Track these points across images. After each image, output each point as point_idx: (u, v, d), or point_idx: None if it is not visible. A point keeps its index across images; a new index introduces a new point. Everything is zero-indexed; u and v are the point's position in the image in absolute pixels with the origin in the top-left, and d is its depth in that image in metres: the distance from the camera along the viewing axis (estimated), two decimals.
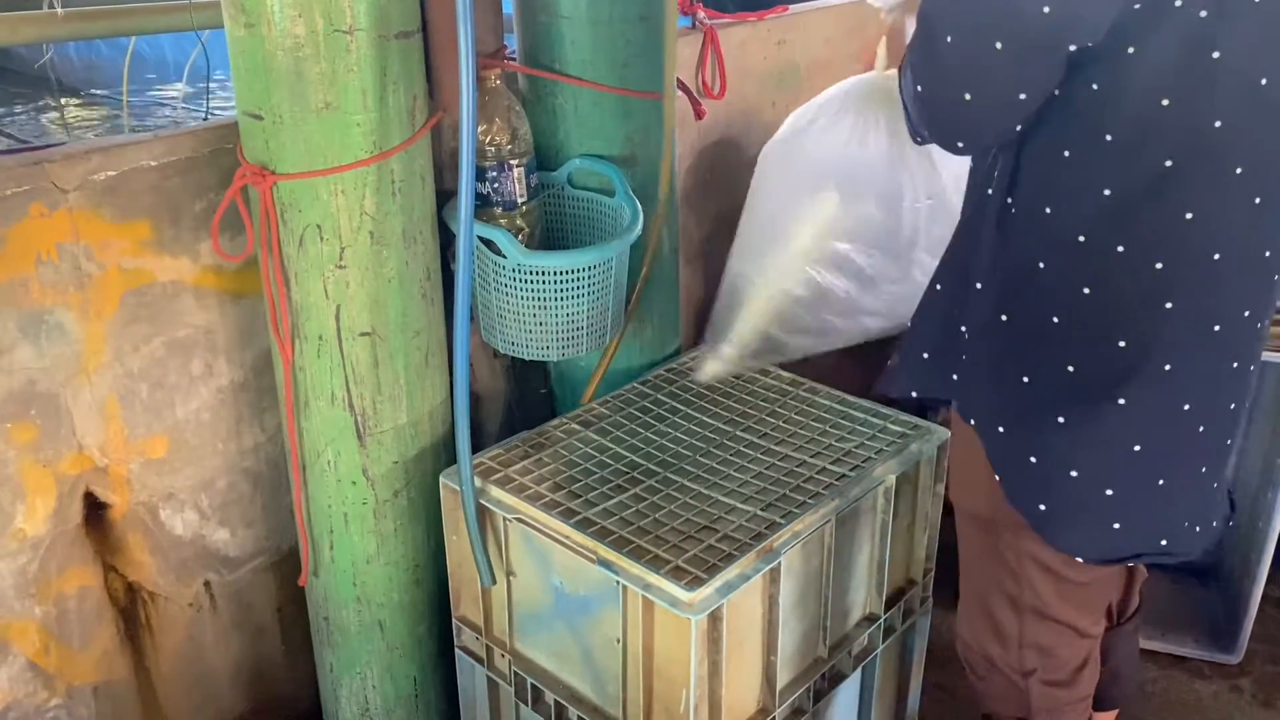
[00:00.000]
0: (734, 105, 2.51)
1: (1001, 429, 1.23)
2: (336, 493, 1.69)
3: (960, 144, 1.16)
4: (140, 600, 1.76)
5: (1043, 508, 1.22)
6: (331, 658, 1.84)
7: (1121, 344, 1.14)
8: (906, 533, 1.81)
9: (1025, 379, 1.20)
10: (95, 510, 1.65)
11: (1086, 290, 1.14)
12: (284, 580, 1.94)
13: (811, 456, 1.68)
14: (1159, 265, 1.11)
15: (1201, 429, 1.19)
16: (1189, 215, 1.09)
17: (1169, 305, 1.12)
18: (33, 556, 1.59)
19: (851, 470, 1.64)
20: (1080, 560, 1.26)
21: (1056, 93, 1.10)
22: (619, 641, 1.48)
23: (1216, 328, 1.14)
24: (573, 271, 1.70)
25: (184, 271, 1.66)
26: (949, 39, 1.05)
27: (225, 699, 1.93)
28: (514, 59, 1.90)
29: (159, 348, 1.66)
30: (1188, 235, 1.10)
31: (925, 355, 1.35)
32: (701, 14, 2.37)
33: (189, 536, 1.79)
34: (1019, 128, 1.14)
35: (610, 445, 1.74)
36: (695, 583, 1.39)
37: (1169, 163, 1.07)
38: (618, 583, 1.44)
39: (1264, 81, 1.06)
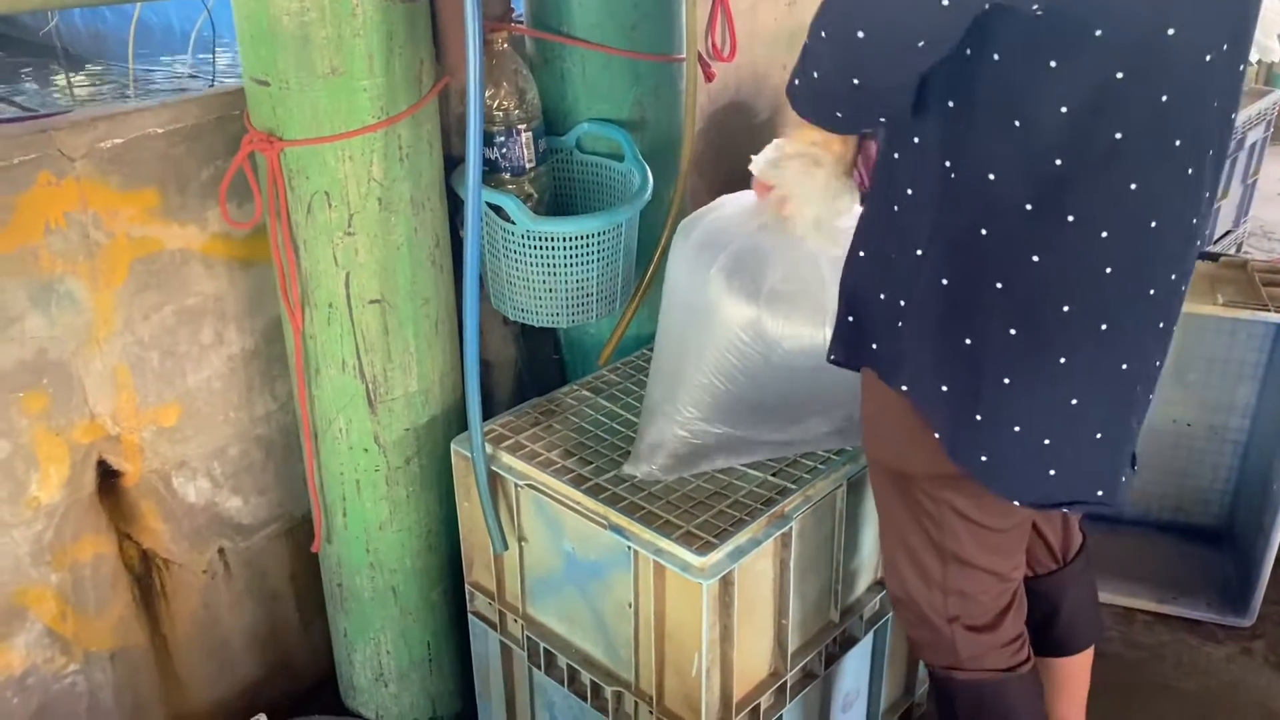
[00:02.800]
0: (744, 68, 2.49)
1: (945, 389, 1.25)
2: (348, 460, 1.70)
3: (854, 94, 1.15)
4: (155, 567, 1.77)
5: (984, 459, 1.25)
6: (345, 623, 1.86)
7: (1065, 309, 1.18)
8: None
9: (968, 341, 1.22)
10: (108, 478, 1.66)
11: (1035, 258, 1.16)
12: (297, 547, 1.95)
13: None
14: (1104, 234, 1.15)
15: (1135, 386, 1.25)
16: (1133, 186, 1.13)
17: (1108, 270, 1.16)
18: (47, 524, 1.60)
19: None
20: (1017, 504, 1.29)
21: (1004, 63, 1.10)
22: (631, 606, 1.48)
23: (1151, 291, 1.20)
24: (582, 237, 1.69)
25: (192, 239, 1.65)
26: None
27: (240, 664, 1.95)
28: (521, 22, 1.88)
29: (169, 316, 1.66)
30: (1131, 204, 1.14)
31: (850, 319, 1.36)
32: None
33: (202, 504, 1.80)
34: (913, 94, 1.16)
35: (621, 412, 1.73)
36: (706, 547, 1.39)
37: (1119, 135, 1.10)
38: (629, 548, 1.45)
39: (1208, 58, 1.10)
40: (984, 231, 1.17)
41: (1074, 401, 1.22)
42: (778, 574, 1.51)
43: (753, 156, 1.46)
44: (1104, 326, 1.18)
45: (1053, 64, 1.08)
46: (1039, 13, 1.06)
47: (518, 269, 1.73)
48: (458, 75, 1.62)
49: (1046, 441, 1.23)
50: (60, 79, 7.45)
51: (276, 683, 2.01)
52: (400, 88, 1.51)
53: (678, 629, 1.45)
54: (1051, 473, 1.25)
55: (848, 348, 1.37)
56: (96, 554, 1.68)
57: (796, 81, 1.23)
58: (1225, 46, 1.12)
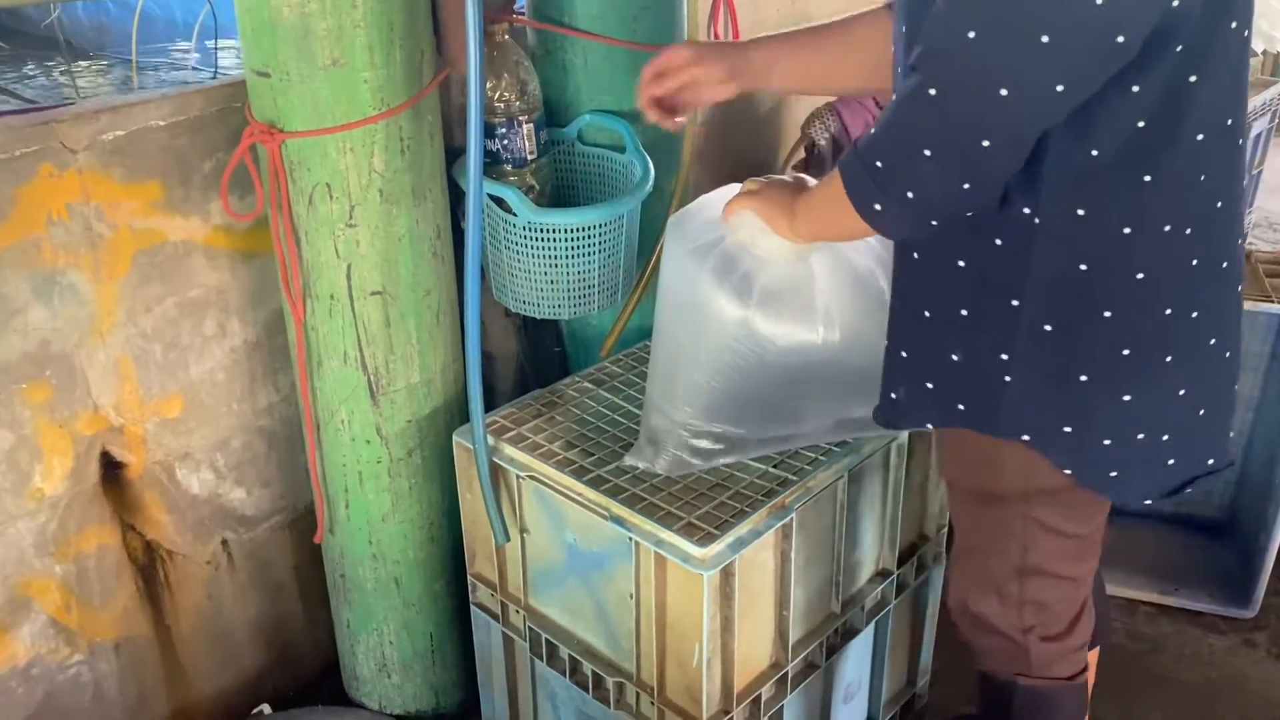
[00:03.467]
0: None
1: (1069, 429, 1.23)
2: (351, 452, 1.70)
3: (983, 143, 1.08)
4: (159, 558, 1.78)
5: (1114, 474, 1.25)
6: (349, 614, 1.86)
7: (1167, 311, 1.18)
8: (919, 489, 1.81)
9: (1084, 378, 1.20)
10: (112, 470, 1.67)
11: (1140, 276, 1.15)
12: (300, 538, 1.96)
13: None
14: (1189, 231, 1.15)
15: (1226, 354, 1.26)
16: (1203, 177, 1.14)
17: (1195, 263, 1.17)
18: (51, 515, 1.60)
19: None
20: (1148, 503, 1.30)
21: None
22: (632, 597, 1.49)
23: (1225, 264, 1.21)
24: (584, 229, 1.69)
25: (195, 231, 1.65)
26: (972, 34, 1.02)
27: (244, 655, 1.96)
28: (522, 13, 1.87)
29: (171, 308, 1.66)
30: (1205, 194, 1.15)
31: (930, 385, 1.31)
32: None
33: (205, 495, 1.80)
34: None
35: (622, 404, 1.74)
36: (707, 539, 1.40)
37: (1200, 136, 1.10)
38: (630, 539, 1.45)
39: (1246, 34, 1.11)
40: (1083, 267, 1.15)
41: (1181, 392, 1.22)
42: (779, 565, 1.51)
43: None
44: (1195, 314, 1.19)
45: (1135, 89, 1.07)
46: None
47: (519, 261, 1.73)
48: (459, 66, 1.62)
49: (1165, 437, 1.24)
50: (63, 70, 7.45)
51: (280, 673, 2.02)
52: (401, 79, 1.51)
53: (679, 620, 1.45)
54: (1170, 462, 1.25)
55: (930, 412, 1.32)
56: (100, 545, 1.68)
57: (879, 206, 1.16)
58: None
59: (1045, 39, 1.00)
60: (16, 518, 1.56)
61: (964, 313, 1.24)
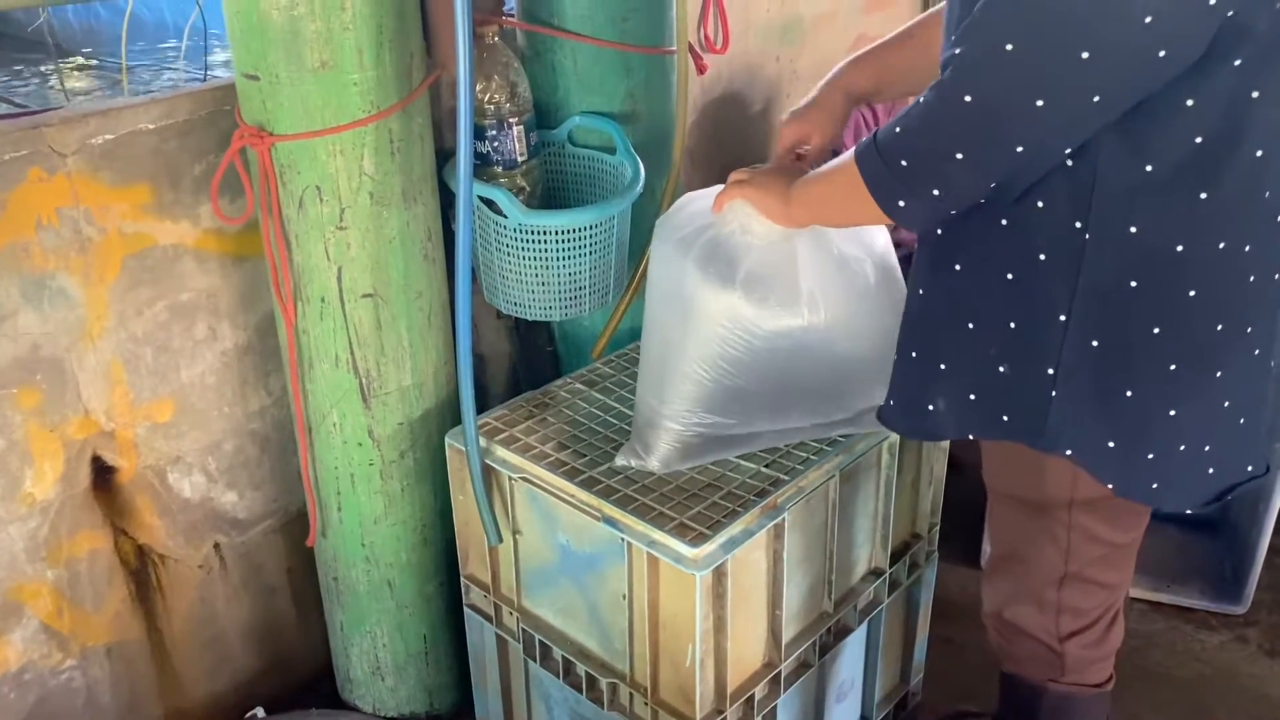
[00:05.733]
0: (737, 59, 2.49)
1: (1112, 444, 1.22)
2: (343, 454, 1.70)
3: (1017, 149, 1.09)
4: (151, 562, 1.78)
5: (1155, 486, 1.24)
6: (342, 617, 1.86)
7: (1219, 327, 1.16)
8: (911, 488, 1.82)
9: (1129, 393, 1.19)
10: (103, 474, 1.67)
11: (1192, 293, 1.14)
12: (293, 541, 1.95)
13: None
14: (1248, 248, 1.13)
15: (1271, 363, 1.24)
16: (1268, 194, 1.12)
17: (1252, 279, 1.15)
18: (42, 520, 1.60)
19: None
20: (1189, 511, 1.29)
21: (1132, 111, 1.07)
22: (625, 597, 1.49)
23: (1277, 276, 1.18)
24: (574, 230, 1.69)
25: (185, 235, 1.65)
26: (1010, 46, 1.02)
27: (237, 659, 1.96)
28: (512, 15, 1.87)
29: (162, 311, 1.66)
30: (1266, 209, 1.13)
31: (973, 397, 1.29)
32: None
33: (197, 499, 1.80)
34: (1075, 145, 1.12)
35: (615, 404, 1.74)
36: (699, 539, 1.40)
37: (1260, 153, 1.08)
38: (623, 540, 1.45)
39: None
40: (1134, 284, 1.14)
41: (1226, 404, 1.21)
42: (771, 565, 1.52)
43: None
44: (1249, 330, 1.18)
45: (1189, 103, 1.05)
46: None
47: (510, 262, 1.73)
48: (449, 69, 1.62)
49: (1207, 448, 1.23)
50: (52, 74, 7.42)
51: (273, 676, 2.02)
52: (391, 81, 1.51)
53: (672, 620, 1.45)
54: (1210, 471, 1.24)
55: (975, 423, 1.31)
56: (92, 550, 1.68)
57: (903, 203, 1.17)
58: None
59: (1085, 54, 1.00)
60: (7, 522, 1.56)
61: (1012, 325, 1.23)
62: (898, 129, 1.14)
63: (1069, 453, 1.24)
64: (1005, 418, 1.27)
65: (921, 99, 1.12)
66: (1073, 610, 1.40)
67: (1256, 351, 1.21)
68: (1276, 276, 1.18)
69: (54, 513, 1.61)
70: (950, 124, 1.09)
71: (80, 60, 8.04)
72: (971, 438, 1.34)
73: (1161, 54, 1.01)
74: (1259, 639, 2.21)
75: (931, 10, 1.46)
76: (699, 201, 1.51)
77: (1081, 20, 0.99)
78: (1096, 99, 1.03)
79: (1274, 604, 2.29)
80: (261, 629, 1.98)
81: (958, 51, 1.07)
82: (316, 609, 1.96)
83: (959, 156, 1.10)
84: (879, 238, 1.53)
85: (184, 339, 1.70)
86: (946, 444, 1.81)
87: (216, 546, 1.86)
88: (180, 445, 1.75)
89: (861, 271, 1.47)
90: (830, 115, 1.49)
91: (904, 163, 1.14)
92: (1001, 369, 1.25)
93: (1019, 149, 1.07)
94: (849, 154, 1.22)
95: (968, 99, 1.06)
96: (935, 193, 1.14)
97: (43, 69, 7.69)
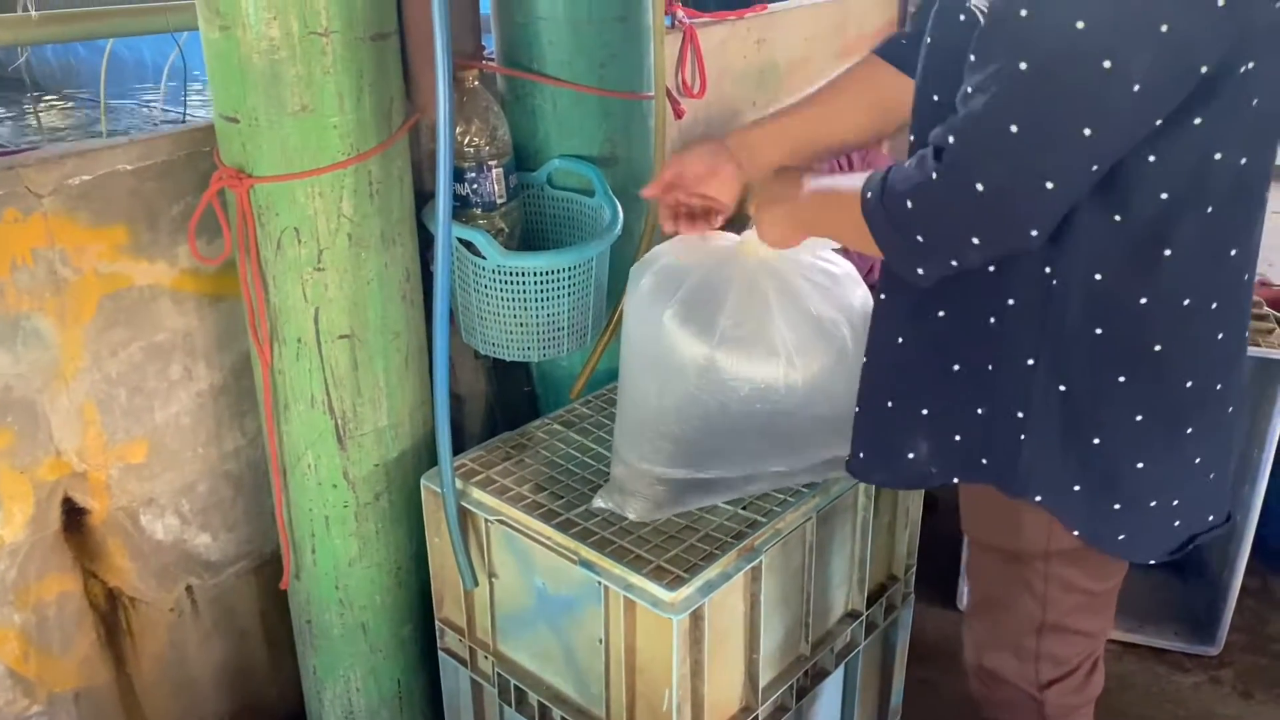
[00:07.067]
0: (714, 104, 2.52)
1: (1078, 489, 1.23)
2: (318, 496, 1.69)
3: (1031, 233, 1.09)
4: (121, 606, 1.75)
5: (1123, 537, 1.25)
6: (315, 661, 1.84)
7: (1189, 384, 1.17)
8: (888, 529, 1.82)
9: (1096, 440, 1.20)
10: (74, 516, 1.65)
11: (1158, 348, 1.15)
12: (266, 584, 1.93)
13: None
14: (1214, 305, 1.15)
15: (1235, 417, 1.26)
16: (1233, 252, 1.14)
17: (1220, 336, 1.17)
18: (11, 563, 1.58)
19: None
20: (1152, 562, 1.30)
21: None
22: (601, 641, 1.48)
23: (1246, 333, 1.22)
24: (553, 272, 1.70)
25: (161, 275, 1.65)
26: (1015, 129, 1.03)
27: (208, 703, 1.93)
28: (492, 59, 1.89)
29: (137, 352, 1.65)
30: (1233, 268, 1.15)
31: (958, 439, 1.30)
32: (681, 13, 2.37)
33: (170, 541, 1.78)
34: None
35: (592, 445, 1.74)
36: (677, 582, 1.40)
37: (1210, 209, 1.10)
38: (599, 583, 1.44)
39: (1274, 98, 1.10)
40: (1099, 331, 1.15)
41: (1197, 461, 1.22)
42: (748, 608, 1.51)
43: None
44: (1219, 386, 1.19)
45: (1151, 159, 1.07)
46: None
47: (488, 303, 1.73)
48: (428, 112, 1.63)
49: (1176, 503, 1.23)
50: (30, 113, 7.41)
51: None
52: (370, 125, 1.52)
53: (649, 664, 1.44)
54: (1176, 524, 1.25)
55: (958, 466, 1.32)
56: (61, 593, 1.66)
57: (922, 271, 1.17)
58: None
59: (1088, 131, 1.01)
60: None
61: (990, 368, 1.24)
62: (910, 201, 1.13)
63: (1038, 498, 1.25)
64: (984, 460, 1.28)
65: (932, 175, 1.09)
66: (1052, 658, 1.40)
67: (1229, 409, 1.23)
68: (1245, 334, 1.21)
69: (23, 555, 1.59)
70: (966, 212, 1.09)
71: (58, 98, 8.04)
72: (956, 481, 1.35)
73: (1158, 121, 1.03)
74: (1233, 680, 2.22)
75: (839, 74, 1.48)
76: (675, 252, 1.52)
77: (1079, 97, 1.00)
78: (1096, 168, 1.05)
79: (1247, 645, 2.31)
80: (233, 673, 1.95)
81: (960, 141, 1.07)
82: (289, 652, 1.93)
83: (975, 241, 1.11)
84: (856, 298, 1.52)
85: (159, 379, 1.69)
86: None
87: (189, 589, 1.84)
88: (153, 486, 1.73)
89: (839, 334, 1.48)
90: (716, 153, 1.48)
91: (920, 239, 1.14)
92: (980, 411, 1.26)
93: (1033, 232, 1.08)
94: (856, 202, 1.19)
95: (980, 188, 1.06)
96: (954, 264, 1.15)
97: (23, 106, 7.67)
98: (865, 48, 1.51)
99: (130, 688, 1.80)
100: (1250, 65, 1.03)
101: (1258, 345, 2.04)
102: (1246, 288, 1.18)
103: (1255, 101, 1.06)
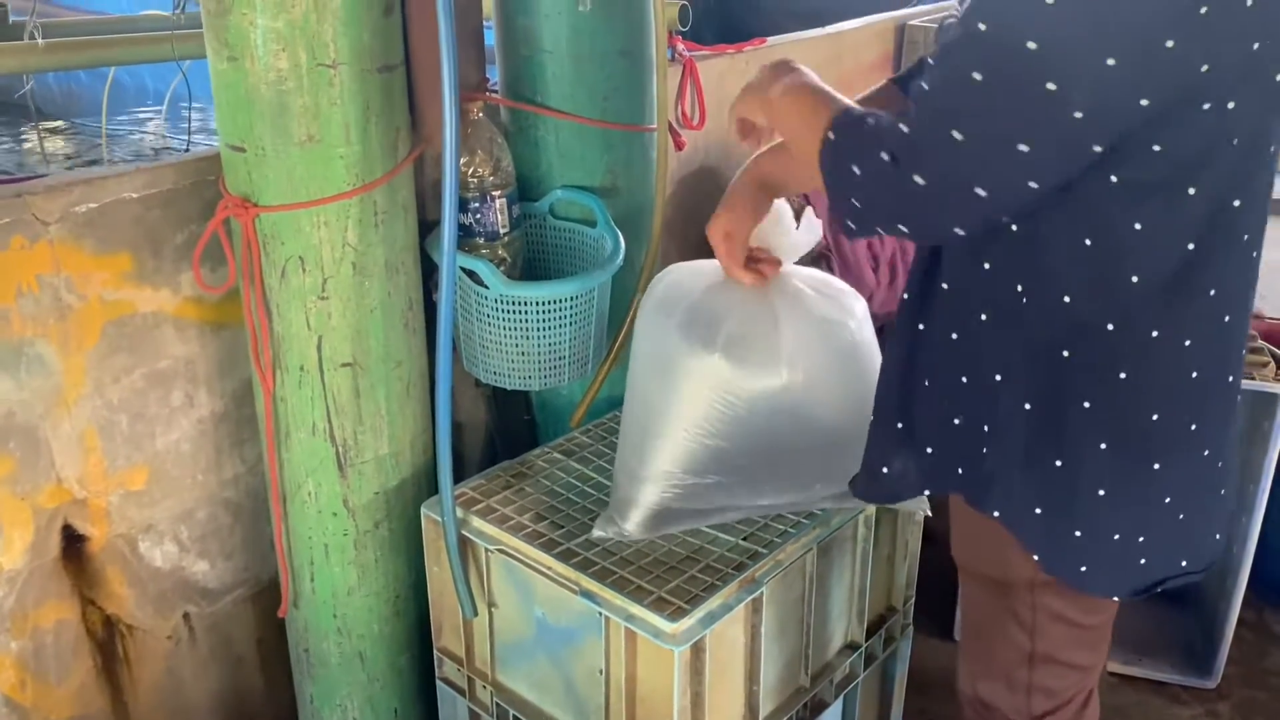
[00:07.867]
0: (713, 136, 2.54)
1: (1039, 510, 1.23)
2: (317, 524, 1.69)
3: (956, 231, 1.12)
4: (118, 633, 1.75)
5: (1084, 569, 1.24)
6: (312, 689, 1.83)
7: (1155, 417, 1.17)
8: (887, 561, 1.82)
9: (1058, 463, 1.20)
10: (73, 543, 1.64)
11: (1123, 375, 1.15)
12: (264, 612, 1.93)
13: None
14: (1188, 343, 1.14)
15: (1219, 464, 1.24)
16: (1212, 292, 1.13)
17: (1194, 375, 1.16)
18: (9, 590, 1.57)
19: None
20: (1115, 599, 1.29)
21: (1071, 187, 1.10)
22: (602, 672, 1.48)
23: (1230, 378, 1.20)
24: (555, 302, 1.71)
25: (165, 302, 1.66)
26: (958, 135, 1.04)
27: None
28: (496, 92, 1.91)
29: (139, 379, 1.65)
30: (1210, 308, 1.14)
31: (930, 450, 1.32)
32: (681, 46, 2.40)
33: (168, 568, 1.78)
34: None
35: (593, 474, 1.74)
36: (678, 613, 1.40)
37: (1191, 246, 1.10)
38: (600, 614, 1.44)
39: (1269, 149, 1.10)
40: (1065, 353, 1.16)
41: (1167, 500, 1.21)
42: (749, 639, 1.51)
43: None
44: (1194, 426, 1.18)
45: (1114, 179, 1.07)
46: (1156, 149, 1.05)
47: (491, 333, 1.74)
48: (433, 143, 1.64)
49: (1141, 539, 1.22)
50: (34, 140, 7.43)
51: None
52: (376, 155, 1.53)
53: (649, 696, 1.44)
54: (1143, 561, 1.24)
55: (931, 478, 1.34)
56: (59, 620, 1.65)
57: (854, 225, 1.18)
58: None
59: (1024, 147, 1.02)
60: None
61: (964, 380, 1.26)
62: (856, 170, 1.13)
63: (996, 514, 1.26)
64: (960, 470, 1.30)
65: (882, 155, 1.10)
66: (1045, 690, 1.39)
67: (1206, 452, 1.21)
68: (1229, 379, 1.19)
69: (21, 583, 1.59)
70: (901, 200, 1.11)
71: (60, 124, 8.07)
72: (928, 493, 1.37)
73: (1096, 148, 1.04)
74: (1230, 714, 2.22)
75: (857, 98, 1.49)
76: (685, 272, 1.57)
77: (1020, 114, 1.02)
78: (1035, 185, 1.06)
79: (1244, 677, 2.30)
80: (230, 701, 1.94)
81: (912, 133, 1.09)
82: (286, 681, 1.92)
83: (903, 228, 1.14)
84: (858, 306, 1.57)
85: (160, 406, 1.69)
86: (921, 517, 1.82)
87: (186, 616, 1.83)
88: (153, 513, 1.73)
89: (842, 334, 1.52)
90: (746, 198, 1.52)
91: (856, 204, 1.16)
92: (956, 421, 1.28)
93: (958, 230, 1.11)
94: (819, 129, 1.19)
95: (919, 180, 1.08)
96: (879, 234, 1.21)
97: (23, 134, 7.70)
98: (862, 79, 1.53)
99: (127, 716, 1.79)
100: (1230, 105, 1.03)
101: (1251, 378, 2.05)
102: (1229, 330, 1.17)
103: (1235, 141, 1.06)
